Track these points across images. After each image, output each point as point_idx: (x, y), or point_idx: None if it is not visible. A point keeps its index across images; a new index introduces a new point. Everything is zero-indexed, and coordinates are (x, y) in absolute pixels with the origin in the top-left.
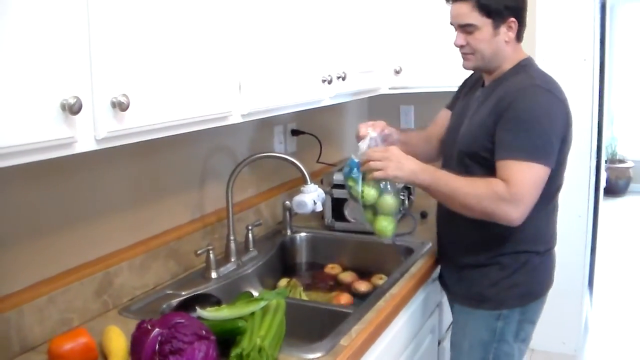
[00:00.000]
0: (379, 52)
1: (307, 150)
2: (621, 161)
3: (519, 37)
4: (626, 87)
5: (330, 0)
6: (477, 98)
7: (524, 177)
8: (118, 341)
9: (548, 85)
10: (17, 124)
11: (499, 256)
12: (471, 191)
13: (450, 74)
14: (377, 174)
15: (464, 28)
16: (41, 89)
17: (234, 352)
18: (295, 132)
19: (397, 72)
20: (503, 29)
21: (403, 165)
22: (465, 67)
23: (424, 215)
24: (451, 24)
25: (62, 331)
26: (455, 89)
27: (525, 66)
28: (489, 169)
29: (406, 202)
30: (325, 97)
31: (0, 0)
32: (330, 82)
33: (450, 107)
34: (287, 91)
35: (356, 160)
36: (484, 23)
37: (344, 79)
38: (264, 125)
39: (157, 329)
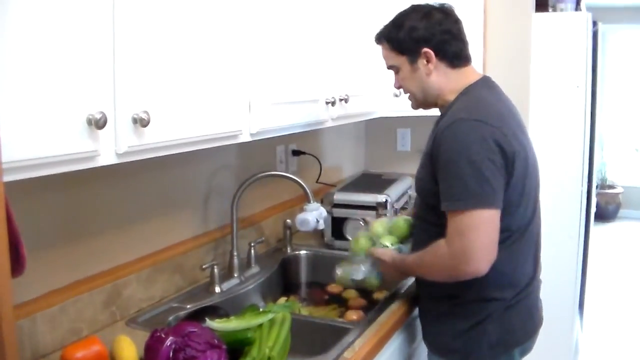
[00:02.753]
0: (379, 76)
1: (307, 171)
2: (611, 187)
3: (453, 64)
4: (615, 112)
5: (334, 28)
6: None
7: (462, 228)
8: (129, 350)
9: (477, 115)
10: (46, 137)
11: (460, 305)
12: (423, 267)
13: None
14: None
15: (392, 70)
16: (69, 104)
17: None
18: (295, 153)
19: (396, 96)
20: (422, 62)
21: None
22: (413, 108)
23: None
24: None
25: (72, 340)
26: None
27: (465, 94)
28: (442, 217)
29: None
30: (328, 118)
31: (33, 22)
32: (333, 104)
33: None
34: (292, 112)
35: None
36: (401, 61)
37: (346, 101)
38: (266, 146)
39: (171, 337)
